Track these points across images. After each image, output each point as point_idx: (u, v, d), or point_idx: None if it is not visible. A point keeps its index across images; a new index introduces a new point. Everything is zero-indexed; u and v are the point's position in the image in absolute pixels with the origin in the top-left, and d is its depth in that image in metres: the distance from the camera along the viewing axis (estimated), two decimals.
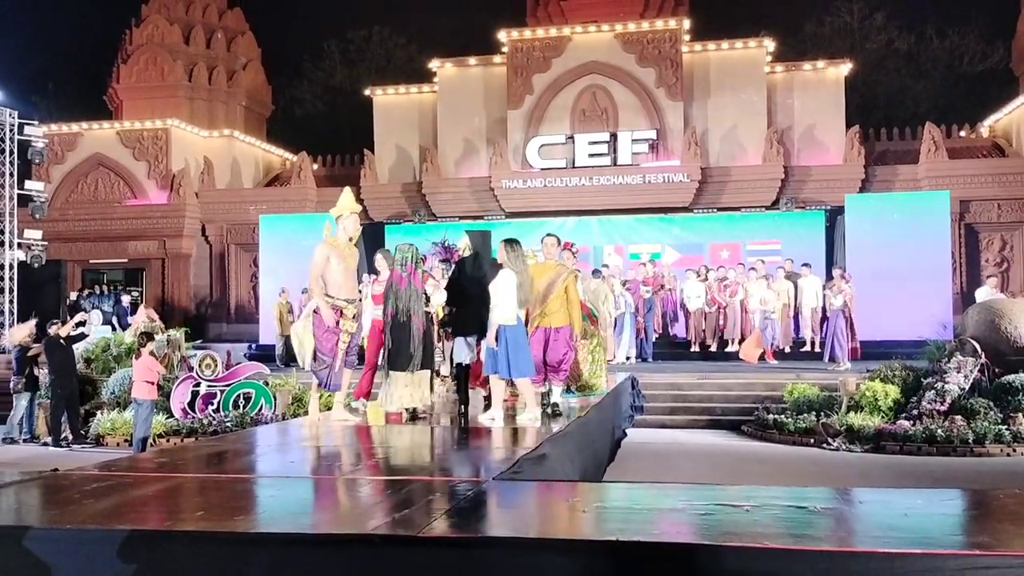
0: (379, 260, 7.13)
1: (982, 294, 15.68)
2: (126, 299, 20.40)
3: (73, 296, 22.12)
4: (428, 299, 6.86)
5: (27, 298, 19.75)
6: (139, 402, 10.98)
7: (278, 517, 3.60)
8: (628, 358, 15.92)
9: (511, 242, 6.38)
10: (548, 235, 7.18)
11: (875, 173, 20.61)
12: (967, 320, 12.93)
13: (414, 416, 6.55)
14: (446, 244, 7.63)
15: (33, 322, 14.15)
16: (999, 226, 20.18)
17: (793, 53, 24.62)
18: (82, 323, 13.24)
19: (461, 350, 6.73)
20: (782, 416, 11.93)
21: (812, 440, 11.22)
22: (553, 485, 4.23)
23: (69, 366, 12.63)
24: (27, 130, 19.73)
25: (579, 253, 7.43)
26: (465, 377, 6.67)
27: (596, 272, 15.42)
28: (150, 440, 11.08)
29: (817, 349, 15.99)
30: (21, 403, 12.83)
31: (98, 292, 22.00)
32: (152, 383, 11.01)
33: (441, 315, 7.20)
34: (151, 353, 11.20)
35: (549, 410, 6.50)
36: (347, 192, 6.68)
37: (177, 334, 14.73)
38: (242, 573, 3.01)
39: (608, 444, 7.93)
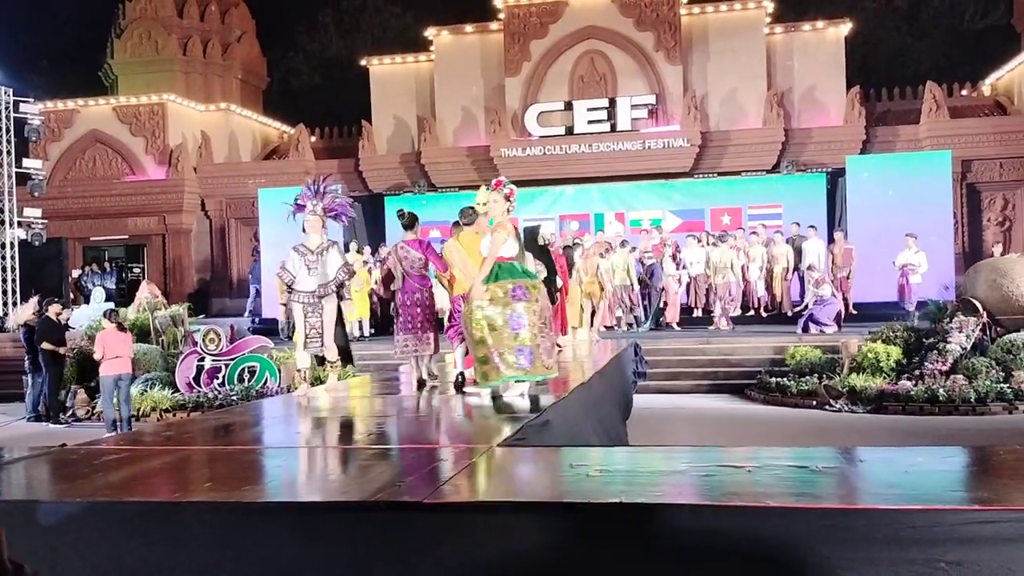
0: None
1: (904, 256, 15.31)
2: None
3: (75, 273, 22.15)
4: None
5: (29, 277, 19.78)
6: (122, 378, 10.92)
7: (286, 486, 3.64)
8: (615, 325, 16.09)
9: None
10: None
11: (876, 134, 20.47)
12: (968, 280, 12.93)
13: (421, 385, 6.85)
14: (319, 188, 6.99)
15: (35, 300, 14.18)
16: (1001, 185, 20.07)
17: (792, 14, 24.32)
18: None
19: None
20: (785, 379, 11.98)
21: (815, 402, 11.28)
22: (557, 450, 4.26)
23: (61, 345, 12.65)
24: (23, 108, 19.62)
25: (512, 195, 6.05)
26: None
27: (624, 243, 16.11)
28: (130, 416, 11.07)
29: None
30: (37, 381, 12.89)
31: (98, 270, 22.03)
32: (120, 357, 10.93)
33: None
34: (119, 327, 11.13)
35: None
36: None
37: (180, 309, 14.77)
38: (251, 542, 3.05)
39: (618, 410, 7.97)
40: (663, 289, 16.32)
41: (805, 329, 14.41)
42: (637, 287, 16.09)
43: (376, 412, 5.66)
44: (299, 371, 6.29)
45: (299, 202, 6.77)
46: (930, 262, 16.62)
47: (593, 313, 13.69)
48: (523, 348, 5.55)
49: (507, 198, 5.88)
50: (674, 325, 16.23)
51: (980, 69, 23.12)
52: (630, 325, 16.24)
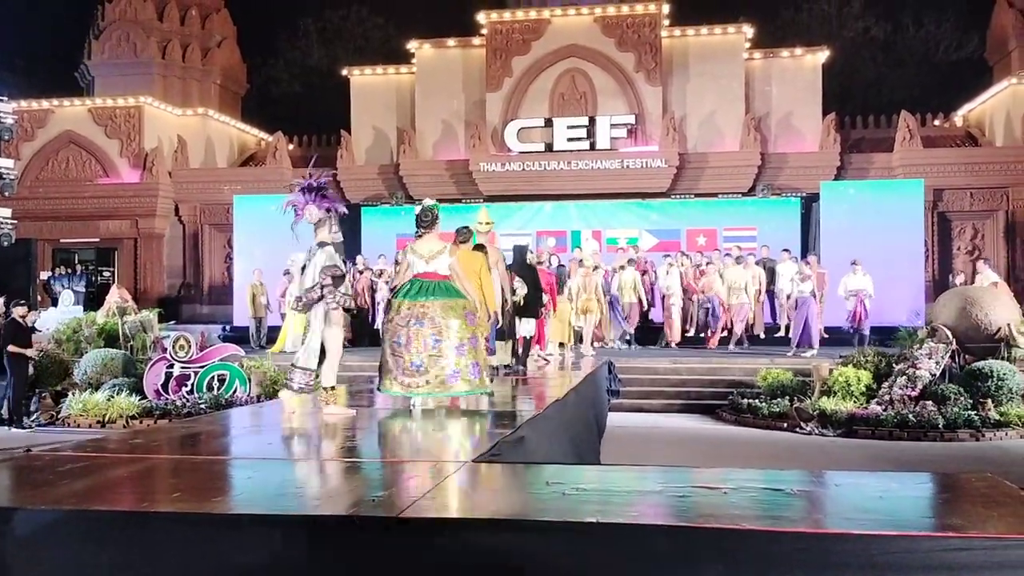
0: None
1: (851, 282, 15.37)
2: None
3: (44, 276, 21.81)
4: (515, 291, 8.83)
5: None
6: None
7: (256, 499, 3.57)
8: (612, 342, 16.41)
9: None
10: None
11: (850, 161, 20.76)
12: (938, 307, 13.09)
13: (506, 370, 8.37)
14: (314, 185, 6.11)
15: (0, 301, 13.93)
16: (971, 215, 20.43)
17: (771, 40, 24.66)
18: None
19: (528, 326, 9.29)
20: (756, 400, 12.04)
21: (785, 424, 11.34)
22: (531, 467, 4.24)
23: (27, 348, 12.39)
24: None
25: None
26: (527, 344, 9.31)
27: (631, 261, 16.84)
28: None
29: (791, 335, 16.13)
30: (1, 384, 12.62)
31: (68, 272, 21.71)
32: None
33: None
34: None
35: None
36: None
37: (150, 315, 14.58)
38: (219, 554, 2.99)
39: (593, 427, 7.98)
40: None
41: (809, 344, 14.60)
42: (646, 304, 16.40)
43: (349, 425, 5.60)
44: (304, 370, 5.82)
45: (297, 210, 5.97)
46: (901, 289, 16.84)
47: (596, 327, 14.24)
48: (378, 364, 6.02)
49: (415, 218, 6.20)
50: (672, 344, 16.43)
51: (953, 100, 23.56)
52: (626, 343, 16.49)
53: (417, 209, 6.20)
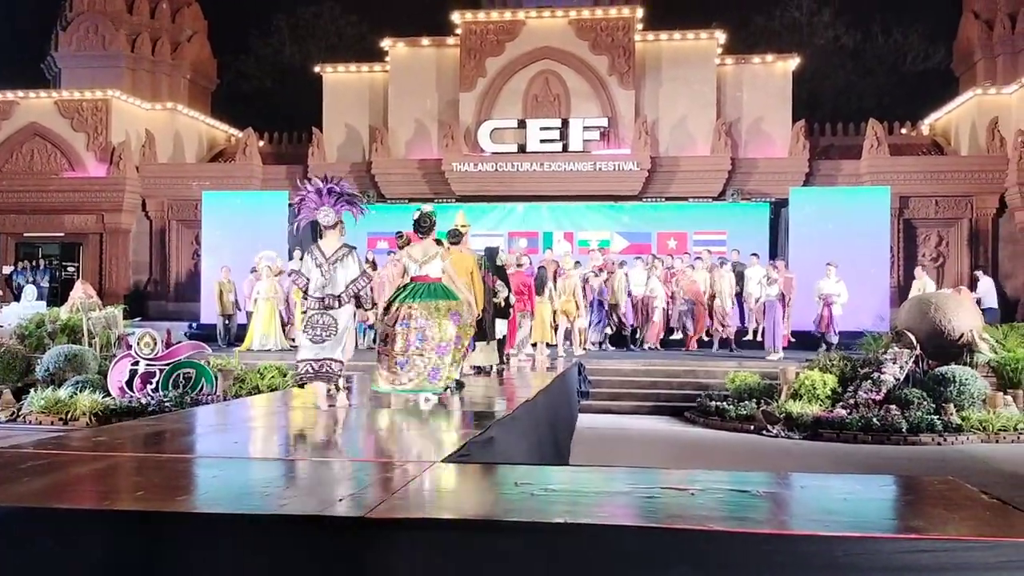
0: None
1: (824, 286, 15.56)
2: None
3: (7, 270, 21.45)
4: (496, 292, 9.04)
5: None
6: None
7: (221, 498, 3.54)
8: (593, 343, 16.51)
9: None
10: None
11: (819, 167, 21.02)
12: (903, 312, 13.28)
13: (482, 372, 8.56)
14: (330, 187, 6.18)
15: None
16: (936, 222, 20.76)
17: (743, 46, 24.89)
18: None
19: (502, 326, 9.44)
20: (724, 403, 12.14)
21: (752, 427, 11.44)
22: (500, 468, 4.24)
23: None
24: None
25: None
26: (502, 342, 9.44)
27: (623, 263, 16.98)
28: None
29: (759, 338, 16.32)
30: None
31: (31, 267, 21.37)
32: None
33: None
34: None
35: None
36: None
37: (115, 311, 14.38)
38: (183, 554, 2.95)
39: (563, 428, 8.02)
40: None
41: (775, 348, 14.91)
42: (630, 307, 16.50)
43: (319, 424, 5.56)
44: (301, 362, 6.01)
45: (308, 207, 6.11)
46: (867, 294, 17.07)
47: (568, 331, 14.29)
48: None
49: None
50: (657, 345, 16.60)
51: (920, 109, 23.95)
52: (600, 344, 16.54)
53: (415, 215, 6.53)
